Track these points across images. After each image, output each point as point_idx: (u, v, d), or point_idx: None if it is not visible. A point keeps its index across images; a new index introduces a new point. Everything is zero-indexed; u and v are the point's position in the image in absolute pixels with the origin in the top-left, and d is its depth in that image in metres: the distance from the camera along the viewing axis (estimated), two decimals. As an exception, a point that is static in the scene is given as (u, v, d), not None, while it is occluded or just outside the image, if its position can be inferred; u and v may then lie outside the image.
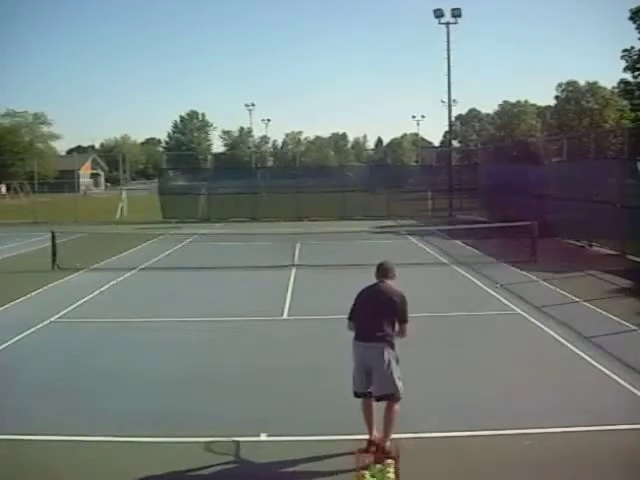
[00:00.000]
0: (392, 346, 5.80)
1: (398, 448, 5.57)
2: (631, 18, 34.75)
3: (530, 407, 6.86)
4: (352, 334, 5.97)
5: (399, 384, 5.76)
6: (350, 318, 6.05)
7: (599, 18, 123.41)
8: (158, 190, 36.03)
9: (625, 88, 38.43)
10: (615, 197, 18.18)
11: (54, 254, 16.89)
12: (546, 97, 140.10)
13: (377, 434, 5.88)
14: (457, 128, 79.32)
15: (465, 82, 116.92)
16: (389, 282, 6.05)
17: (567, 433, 6.19)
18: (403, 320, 5.87)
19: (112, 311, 11.99)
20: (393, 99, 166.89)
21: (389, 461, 5.33)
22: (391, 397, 5.76)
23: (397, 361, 5.81)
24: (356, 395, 5.95)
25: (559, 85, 64.74)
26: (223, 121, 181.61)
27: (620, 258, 17.16)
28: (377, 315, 5.84)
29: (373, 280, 6.20)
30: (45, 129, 71.98)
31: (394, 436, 5.83)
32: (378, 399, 5.84)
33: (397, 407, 5.79)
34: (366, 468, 5.28)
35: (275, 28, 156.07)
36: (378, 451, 5.65)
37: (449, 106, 36.00)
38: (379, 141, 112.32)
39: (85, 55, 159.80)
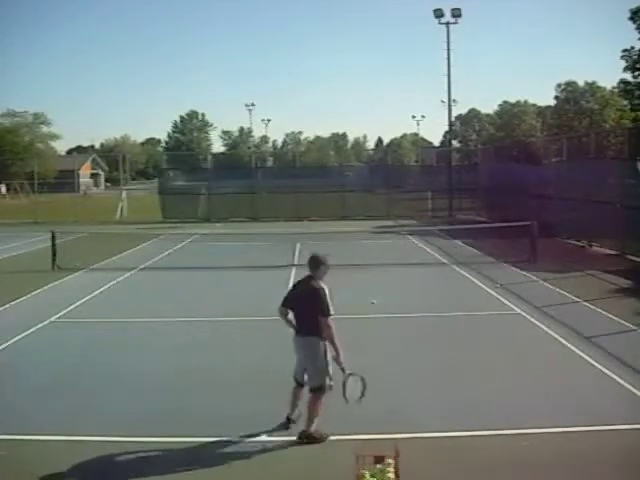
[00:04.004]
0: (321, 339, 6.07)
1: (397, 448, 5.56)
2: (631, 18, 34.78)
3: (530, 407, 6.87)
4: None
5: (327, 378, 6.08)
6: (282, 309, 6.42)
7: (599, 18, 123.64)
8: (158, 190, 36.03)
9: (625, 88, 38.47)
10: (615, 197, 18.18)
11: (54, 254, 16.88)
12: (546, 97, 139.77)
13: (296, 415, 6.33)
14: (457, 128, 79.25)
15: (465, 82, 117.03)
16: (317, 276, 6.29)
17: (567, 433, 6.19)
18: (323, 314, 6.05)
19: (112, 311, 12.00)
20: (393, 99, 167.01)
21: (389, 461, 5.32)
22: (318, 389, 6.10)
23: (325, 354, 6.09)
24: (295, 380, 6.36)
25: (558, 85, 64.77)
26: (223, 121, 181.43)
27: (620, 258, 17.16)
28: (305, 309, 6.18)
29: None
30: (45, 129, 72.01)
31: (394, 436, 5.84)
32: (310, 390, 6.21)
33: (322, 399, 6.11)
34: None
35: (275, 28, 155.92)
36: (300, 435, 6.09)
37: (449, 106, 36.05)
38: (379, 141, 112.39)
39: (85, 55, 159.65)
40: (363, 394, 5.93)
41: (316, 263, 6.30)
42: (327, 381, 6.07)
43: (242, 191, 33.80)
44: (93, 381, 8.06)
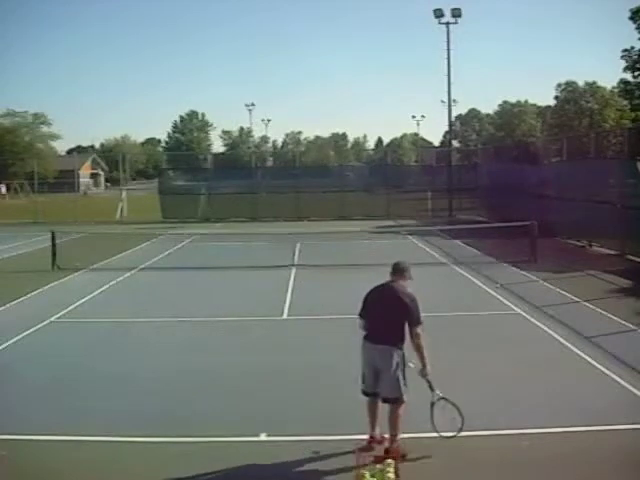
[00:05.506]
0: (400, 349, 5.84)
1: (404, 449, 5.57)
2: (631, 18, 34.83)
3: (530, 407, 6.87)
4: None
5: (404, 389, 5.82)
6: (361, 315, 6.08)
7: (599, 18, 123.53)
8: (158, 190, 36.01)
9: (625, 88, 38.52)
10: (615, 197, 18.18)
11: (54, 254, 16.89)
12: (546, 97, 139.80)
13: (378, 433, 5.93)
14: (457, 128, 79.20)
15: (465, 82, 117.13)
16: (402, 282, 6.02)
17: (567, 433, 6.20)
18: (414, 323, 5.82)
19: (112, 311, 12.00)
20: (393, 99, 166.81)
21: (389, 461, 5.33)
22: (395, 401, 5.82)
23: (404, 364, 5.85)
24: (364, 394, 6.00)
25: (558, 85, 64.77)
26: (223, 121, 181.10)
27: (620, 258, 17.16)
28: (387, 317, 5.86)
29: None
30: (45, 129, 72.02)
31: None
32: (384, 401, 5.90)
33: (401, 411, 5.83)
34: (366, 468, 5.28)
35: (275, 28, 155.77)
36: (384, 452, 5.69)
37: (449, 106, 36.02)
38: (379, 141, 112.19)
39: (85, 55, 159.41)
40: (460, 429, 5.80)
41: (402, 269, 6.07)
42: (403, 392, 5.82)
43: (242, 191, 33.79)
44: (93, 381, 8.06)
